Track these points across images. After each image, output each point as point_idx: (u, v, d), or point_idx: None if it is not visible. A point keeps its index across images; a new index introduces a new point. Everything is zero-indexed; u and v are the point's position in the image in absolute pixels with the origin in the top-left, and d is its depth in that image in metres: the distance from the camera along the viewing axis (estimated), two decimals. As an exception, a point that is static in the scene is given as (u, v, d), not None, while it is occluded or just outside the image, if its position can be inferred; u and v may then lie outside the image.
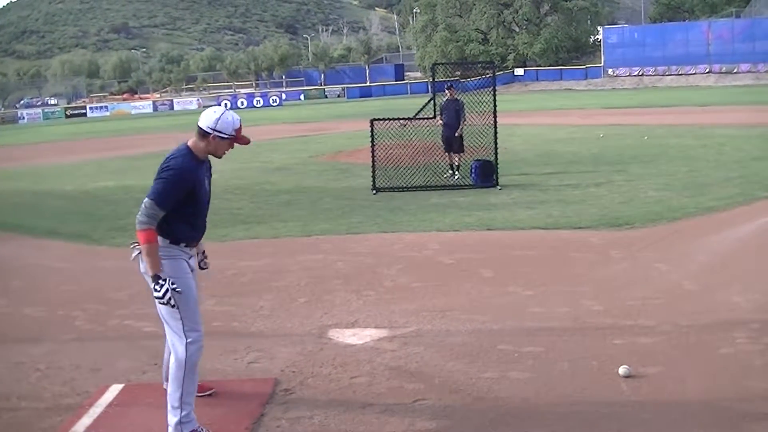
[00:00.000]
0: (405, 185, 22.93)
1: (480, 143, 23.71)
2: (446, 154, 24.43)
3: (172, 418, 7.26)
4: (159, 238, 7.25)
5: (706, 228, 15.97)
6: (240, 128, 7.52)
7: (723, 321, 10.12)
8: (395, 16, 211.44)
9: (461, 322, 10.56)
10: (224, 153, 7.58)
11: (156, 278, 7.10)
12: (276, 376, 8.92)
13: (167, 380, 7.49)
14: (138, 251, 7.32)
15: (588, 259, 13.82)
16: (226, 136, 7.42)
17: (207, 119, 7.37)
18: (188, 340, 7.26)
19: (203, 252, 8.09)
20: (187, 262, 7.56)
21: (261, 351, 9.76)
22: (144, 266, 7.25)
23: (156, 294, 7.10)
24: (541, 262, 13.91)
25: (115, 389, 8.71)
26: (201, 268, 7.97)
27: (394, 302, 11.60)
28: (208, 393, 8.28)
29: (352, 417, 7.80)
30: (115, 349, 10.22)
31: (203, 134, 7.39)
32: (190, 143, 7.45)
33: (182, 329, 7.28)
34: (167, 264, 7.26)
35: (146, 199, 7.14)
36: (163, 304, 7.14)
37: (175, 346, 7.31)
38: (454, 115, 23.48)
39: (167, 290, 7.07)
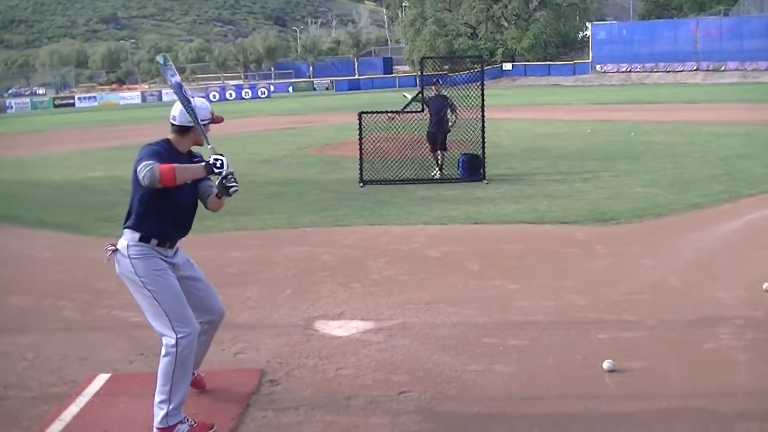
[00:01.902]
0: (392, 178, 22.97)
1: (467, 137, 23.70)
2: (431, 152, 24.20)
3: (159, 411, 7.22)
4: (129, 235, 7.29)
5: (691, 224, 16.03)
6: (211, 109, 7.60)
7: (707, 317, 10.18)
8: (384, 10, 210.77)
9: (447, 314, 10.60)
10: (205, 138, 7.47)
11: (210, 166, 7.18)
12: (262, 367, 8.94)
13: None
14: (111, 251, 7.36)
15: (574, 254, 13.87)
16: (207, 121, 7.50)
17: (184, 115, 7.38)
18: (179, 336, 7.20)
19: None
20: (164, 260, 7.44)
21: (247, 342, 9.78)
22: (120, 268, 7.33)
23: (226, 167, 7.23)
24: (527, 256, 13.96)
25: (102, 379, 8.72)
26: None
27: (381, 295, 11.63)
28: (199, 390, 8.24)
29: (337, 408, 7.82)
30: (102, 338, 10.24)
31: (185, 129, 7.45)
32: (170, 137, 7.51)
33: (170, 325, 7.22)
34: (138, 263, 7.25)
35: (137, 170, 6.99)
36: (231, 178, 7.28)
37: (166, 341, 7.25)
38: (440, 110, 23.42)
39: (226, 166, 7.20)
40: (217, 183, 7.29)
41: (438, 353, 9.17)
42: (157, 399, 7.24)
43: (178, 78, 7.67)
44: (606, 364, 8.50)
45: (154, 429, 7.21)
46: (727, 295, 11.04)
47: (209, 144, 7.37)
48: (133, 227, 7.30)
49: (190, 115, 7.34)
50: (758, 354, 8.87)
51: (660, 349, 9.12)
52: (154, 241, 7.35)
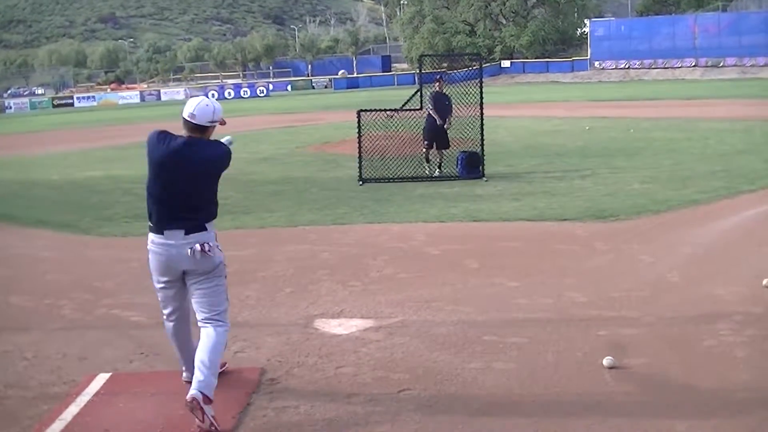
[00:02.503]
0: (391, 176, 22.98)
1: (466, 135, 23.70)
2: (426, 149, 23.94)
3: (212, 381, 7.44)
4: (213, 229, 7.77)
5: (690, 220, 16.04)
6: None
7: (706, 313, 10.17)
8: (383, 8, 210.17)
9: (446, 312, 10.59)
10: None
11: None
12: (262, 365, 8.93)
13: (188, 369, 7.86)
14: (209, 247, 7.59)
15: (573, 251, 13.88)
16: (218, 122, 7.75)
17: (205, 114, 7.61)
18: (229, 325, 7.85)
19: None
20: None
21: (247, 340, 9.78)
22: (208, 261, 7.62)
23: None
24: (526, 253, 13.96)
25: (102, 378, 8.69)
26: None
27: (380, 293, 11.63)
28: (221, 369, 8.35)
29: (337, 406, 7.82)
30: (102, 338, 10.21)
31: (203, 128, 7.65)
32: (194, 136, 7.69)
33: (227, 314, 7.81)
34: (221, 252, 7.80)
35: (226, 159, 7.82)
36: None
37: (217, 330, 7.64)
38: (442, 108, 23.33)
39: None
40: None
41: (438, 351, 9.16)
42: (208, 372, 7.40)
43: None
44: (606, 361, 8.50)
45: (201, 395, 7.25)
46: (727, 292, 11.04)
47: None
48: (213, 222, 7.73)
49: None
50: (757, 350, 8.87)
51: (660, 345, 9.13)
52: None
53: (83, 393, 8.31)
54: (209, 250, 7.52)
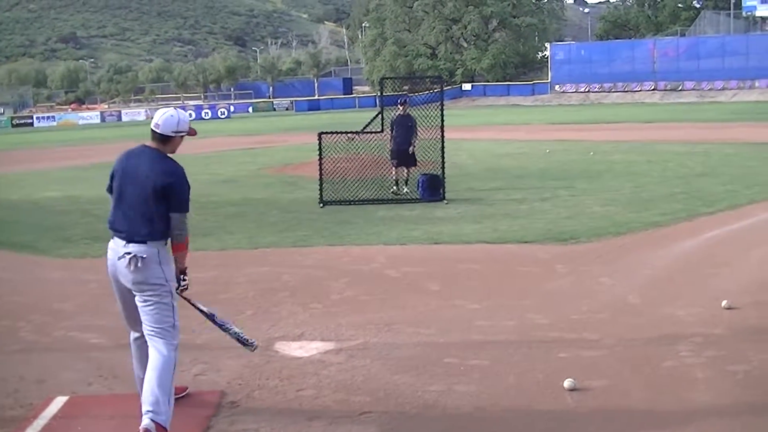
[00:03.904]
0: (352, 198, 22.89)
1: (427, 157, 23.75)
2: (393, 168, 24.25)
3: (166, 409, 7.39)
4: (158, 242, 7.63)
5: (650, 243, 16.10)
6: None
7: (666, 334, 10.21)
8: (344, 30, 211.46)
9: (407, 335, 10.56)
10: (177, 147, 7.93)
11: (185, 270, 7.93)
12: (222, 388, 8.88)
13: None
14: (136, 260, 7.54)
15: (534, 273, 13.89)
16: (185, 133, 7.81)
17: (169, 125, 7.69)
18: (176, 342, 7.65)
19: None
20: None
21: (207, 363, 9.72)
22: (145, 274, 7.55)
23: (184, 284, 7.94)
24: (487, 275, 13.97)
25: (59, 401, 8.59)
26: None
27: (341, 315, 11.58)
28: (182, 395, 8.37)
29: (298, 429, 7.78)
30: (60, 360, 10.12)
31: (167, 138, 7.70)
32: (154, 146, 7.74)
33: (174, 333, 7.67)
34: (168, 268, 7.75)
35: (178, 214, 7.62)
36: (185, 288, 7.97)
37: (161, 350, 7.54)
38: (407, 131, 23.43)
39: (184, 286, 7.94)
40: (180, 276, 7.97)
41: (399, 374, 9.12)
42: (159, 399, 7.36)
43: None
44: (567, 383, 8.49)
45: (154, 425, 7.24)
46: (686, 313, 11.10)
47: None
48: (159, 237, 7.63)
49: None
50: (717, 371, 8.90)
51: (620, 367, 9.14)
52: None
53: (40, 416, 8.20)
54: (139, 264, 7.50)
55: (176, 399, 8.00)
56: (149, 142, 7.75)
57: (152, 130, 7.70)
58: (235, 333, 8.45)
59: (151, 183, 7.51)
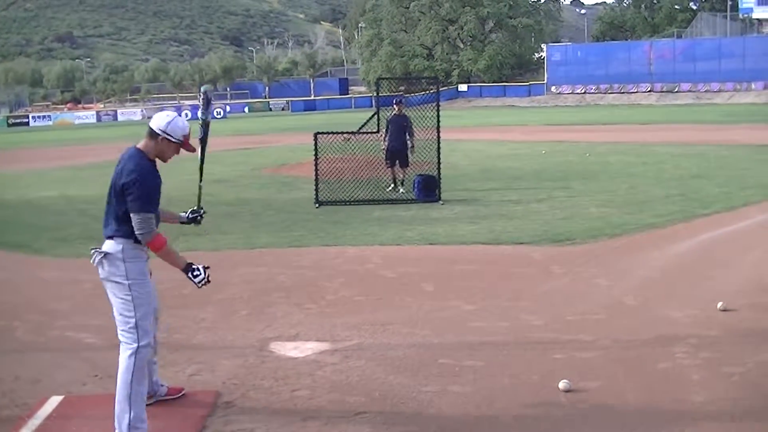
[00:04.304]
0: (348, 199, 22.87)
1: (423, 158, 23.75)
2: (389, 168, 24.35)
3: (122, 421, 7.31)
4: (122, 239, 7.47)
5: (646, 244, 16.08)
6: (188, 135, 7.74)
7: (662, 336, 10.19)
8: (341, 31, 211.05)
9: (402, 335, 10.56)
10: (170, 158, 7.77)
11: (189, 268, 7.72)
12: (217, 388, 8.86)
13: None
14: (100, 255, 7.48)
15: (529, 274, 13.87)
16: (174, 140, 7.63)
17: (159, 121, 7.62)
18: (141, 343, 7.44)
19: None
20: (147, 264, 7.74)
21: (202, 363, 9.70)
22: (108, 271, 7.45)
23: (198, 281, 7.76)
24: (482, 276, 13.96)
25: (54, 401, 8.59)
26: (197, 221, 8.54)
27: (336, 315, 11.58)
28: (179, 395, 8.43)
29: (293, 430, 7.78)
30: (55, 360, 10.11)
31: (153, 135, 7.60)
32: (140, 145, 7.64)
33: (136, 333, 7.44)
34: (132, 266, 7.48)
35: (133, 215, 7.36)
36: (205, 284, 7.76)
37: (124, 350, 7.43)
38: (401, 130, 23.49)
39: (204, 274, 7.79)
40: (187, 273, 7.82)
41: (393, 374, 9.12)
42: (117, 409, 7.35)
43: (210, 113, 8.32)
44: (562, 384, 8.48)
45: None
46: (682, 315, 11.09)
47: (201, 181, 8.56)
48: (124, 235, 7.50)
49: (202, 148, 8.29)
50: (713, 373, 8.88)
51: (615, 368, 9.13)
52: (145, 247, 7.61)
53: (35, 416, 8.20)
54: (103, 260, 7.51)
55: (173, 399, 8.17)
56: (140, 143, 7.69)
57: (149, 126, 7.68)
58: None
59: (115, 182, 7.48)
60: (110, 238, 7.54)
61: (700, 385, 8.56)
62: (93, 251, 7.59)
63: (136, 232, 7.36)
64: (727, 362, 9.22)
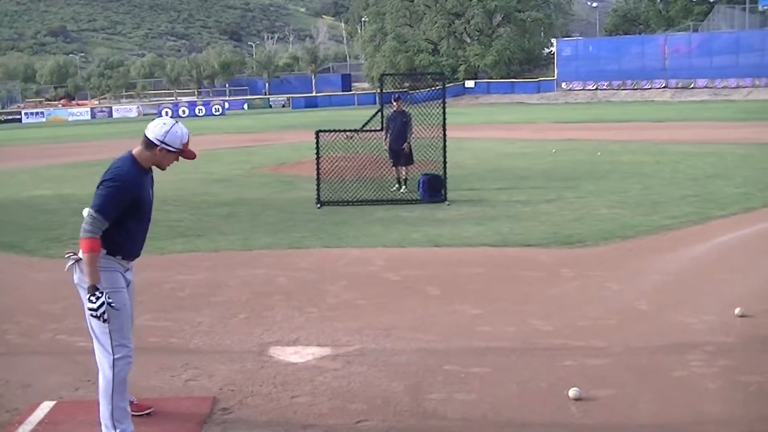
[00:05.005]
0: (350, 199, 22.73)
1: (428, 157, 23.62)
2: (393, 167, 24.26)
3: None
4: None
5: (659, 247, 15.92)
6: (188, 142, 7.55)
7: (676, 343, 10.01)
8: (343, 25, 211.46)
9: (406, 341, 10.40)
10: (168, 165, 7.57)
11: (93, 289, 7.06)
12: (214, 394, 8.75)
13: None
14: (73, 260, 7.28)
15: (538, 278, 13.69)
16: (173, 150, 7.41)
17: (155, 130, 7.36)
18: (116, 356, 7.27)
19: None
20: (123, 276, 7.47)
21: (199, 368, 9.57)
22: (78, 276, 7.24)
23: (90, 306, 7.08)
24: (489, 280, 13.79)
25: (46, 406, 8.50)
26: None
27: (338, 320, 11.42)
28: (146, 412, 8.13)
29: (292, 438, 7.64)
30: (47, 364, 10.00)
31: (150, 145, 7.38)
32: (134, 152, 7.44)
33: (110, 345, 7.27)
34: (103, 276, 7.16)
35: (90, 209, 7.08)
36: (95, 317, 7.07)
37: (101, 362, 7.29)
38: (401, 127, 23.40)
39: (103, 303, 7.02)
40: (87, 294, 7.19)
41: (397, 381, 8.98)
42: (102, 425, 7.29)
43: None
44: (572, 392, 8.32)
45: None
46: (697, 320, 10.91)
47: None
48: (101, 245, 7.24)
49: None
50: (730, 381, 8.72)
51: (628, 376, 8.96)
52: (119, 256, 7.42)
53: (26, 422, 8.13)
54: (75, 264, 7.31)
55: (145, 414, 7.99)
56: (135, 148, 7.49)
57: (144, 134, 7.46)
58: None
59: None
60: None
61: (717, 395, 8.40)
62: (67, 255, 7.39)
63: (82, 225, 7.06)
64: (744, 371, 9.05)
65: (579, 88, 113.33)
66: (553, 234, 17.27)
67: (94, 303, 7.00)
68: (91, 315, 7.09)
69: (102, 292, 7.04)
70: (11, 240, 18.67)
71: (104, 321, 7.07)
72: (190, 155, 7.62)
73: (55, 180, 32.09)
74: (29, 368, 9.86)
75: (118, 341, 7.25)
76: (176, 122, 7.54)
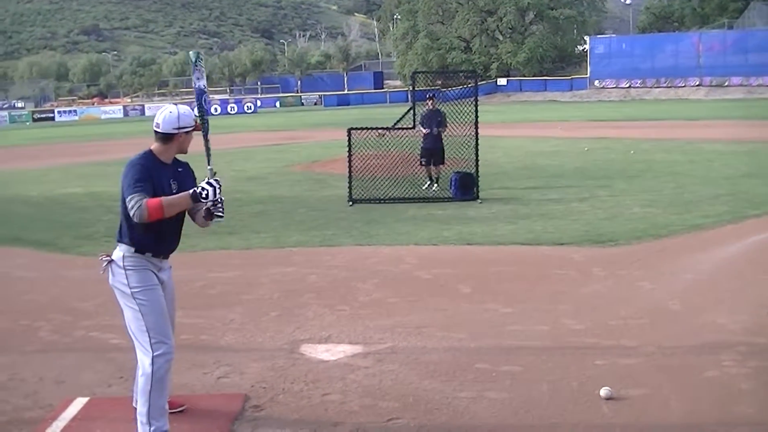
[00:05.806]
0: (382, 197, 22.72)
1: (460, 155, 23.55)
2: (421, 166, 24.25)
3: None
4: (124, 247, 7.35)
5: (692, 246, 15.83)
6: (195, 116, 7.68)
7: (709, 343, 9.95)
8: (375, 23, 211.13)
9: (437, 339, 10.39)
10: (189, 145, 7.64)
11: (195, 196, 7.24)
12: (246, 391, 8.78)
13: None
14: (107, 261, 7.38)
15: (570, 277, 13.65)
16: (190, 128, 7.52)
17: (168, 121, 7.45)
18: (155, 354, 7.26)
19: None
20: (156, 275, 7.49)
21: (230, 366, 9.60)
22: (114, 278, 7.36)
23: (212, 197, 7.29)
24: (521, 278, 13.75)
25: (79, 403, 8.56)
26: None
27: (369, 318, 11.41)
28: (179, 410, 8.13)
29: (323, 435, 7.64)
30: (80, 361, 10.04)
31: (167, 137, 7.48)
32: (152, 147, 7.52)
33: (149, 342, 7.27)
34: (133, 275, 7.29)
35: (126, 199, 7.18)
36: (219, 207, 7.46)
37: (142, 360, 7.29)
38: (435, 126, 23.29)
39: (213, 186, 7.27)
40: (205, 207, 7.44)
41: (428, 379, 8.98)
42: (138, 421, 7.28)
43: (204, 83, 7.98)
44: (603, 392, 8.30)
45: None
46: (730, 321, 10.82)
47: (210, 165, 7.59)
48: (126, 241, 7.41)
49: (203, 126, 7.70)
50: (762, 382, 8.67)
51: (659, 376, 8.91)
52: (149, 254, 7.45)
53: (59, 418, 8.19)
54: (109, 267, 7.44)
55: (178, 412, 8.00)
56: (152, 145, 7.56)
57: (154, 131, 7.52)
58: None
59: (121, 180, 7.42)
60: (118, 243, 7.46)
61: (750, 396, 8.35)
62: (101, 258, 7.47)
63: (131, 214, 7.09)
64: (777, 372, 8.97)
65: (612, 86, 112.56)
66: (586, 233, 17.20)
67: (209, 194, 7.24)
68: (215, 208, 7.45)
69: (202, 187, 7.23)
70: (44, 237, 18.77)
71: (220, 203, 7.41)
72: (199, 126, 7.68)
73: (88, 178, 32.31)
74: (62, 365, 9.89)
75: (156, 338, 7.27)
76: (176, 104, 7.74)
